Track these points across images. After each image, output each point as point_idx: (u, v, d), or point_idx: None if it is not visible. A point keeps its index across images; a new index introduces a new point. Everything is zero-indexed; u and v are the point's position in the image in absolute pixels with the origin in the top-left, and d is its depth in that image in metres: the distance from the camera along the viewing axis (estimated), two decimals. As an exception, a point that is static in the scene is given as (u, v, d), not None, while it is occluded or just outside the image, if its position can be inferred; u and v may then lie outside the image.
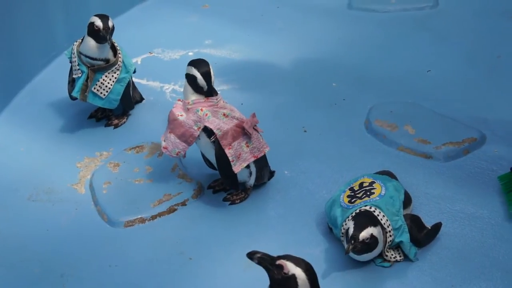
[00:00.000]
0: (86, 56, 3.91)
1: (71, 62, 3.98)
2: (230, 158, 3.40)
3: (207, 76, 3.40)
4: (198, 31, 5.09)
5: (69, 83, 4.07)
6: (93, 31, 3.85)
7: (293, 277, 2.52)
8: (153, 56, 4.68)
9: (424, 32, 4.98)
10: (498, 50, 4.69)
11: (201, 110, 3.40)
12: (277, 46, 4.89)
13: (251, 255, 2.54)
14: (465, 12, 5.19)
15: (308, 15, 5.24)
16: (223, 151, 3.39)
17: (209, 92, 3.43)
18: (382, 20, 5.14)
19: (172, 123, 3.46)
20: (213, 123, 3.38)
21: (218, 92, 3.47)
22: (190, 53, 4.78)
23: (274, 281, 2.55)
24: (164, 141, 3.49)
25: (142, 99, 4.33)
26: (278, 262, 2.52)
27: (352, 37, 4.97)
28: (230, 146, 3.40)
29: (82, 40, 3.93)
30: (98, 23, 3.83)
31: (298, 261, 2.55)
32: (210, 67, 3.43)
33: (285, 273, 2.52)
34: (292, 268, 2.52)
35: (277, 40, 4.96)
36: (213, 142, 3.42)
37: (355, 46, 4.86)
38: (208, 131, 3.40)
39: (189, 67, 3.43)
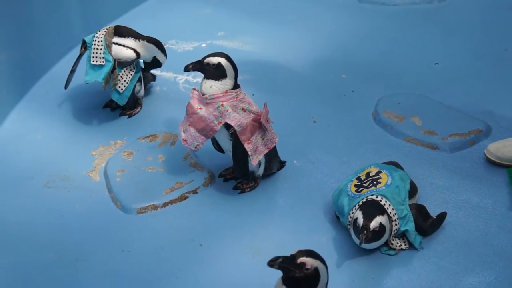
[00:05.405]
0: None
1: (87, 48, 3.95)
2: (249, 153, 3.41)
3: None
4: (211, 23, 5.11)
5: (72, 72, 4.09)
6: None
7: (316, 270, 2.60)
8: (167, 47, 4.64)
9: (432, 25, 4.98)
10: (505, 44, 4.69)
11: (222, 105, 3.37)
12: (289, 38, 4.91)
13: (272, 263, 2.54)
14: (472, 6, 5.19)
15: (319, 8, 5.26)
16: (241, 144, 3.39)
17: (234, 85, 3.42)
18: (391, 13, 5.16)
19: (191, 116, 3.42)
20: (234, 120, 3.35)
21: (240, 85, 3.46)
22: (203, 45, 4.82)
23: (295, 280, 2.58)
24: (184, 132, 3.47)
25: (154, 77, 4.37)
26: (299, 260, 2.57)
27: (362, 29, 4.98)
28: (250, 141, 3.39)
29: (115, 30, 3.94)
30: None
31: (313, 254, 2.61)
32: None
33: (307, 269, 2.58)
34: (313, 262, 2.59)
35: (288, 32, 4.97)
36: (231, 134, 3.43)
37: (364, 39, 4.87)
38: (227, 124, 3.40)
39: (221, 58, 3.39)
